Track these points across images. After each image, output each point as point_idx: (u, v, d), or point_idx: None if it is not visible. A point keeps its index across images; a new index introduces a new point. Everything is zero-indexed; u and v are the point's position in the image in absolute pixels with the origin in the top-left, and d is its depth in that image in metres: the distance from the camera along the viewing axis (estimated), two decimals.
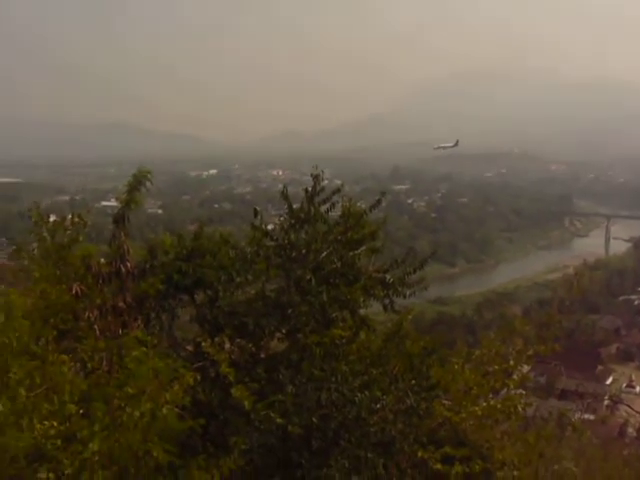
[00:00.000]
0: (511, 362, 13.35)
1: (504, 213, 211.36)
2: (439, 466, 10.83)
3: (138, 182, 13.57)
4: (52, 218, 12.87)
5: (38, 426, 6.85)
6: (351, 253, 12.82)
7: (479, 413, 12.41)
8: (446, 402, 12.86)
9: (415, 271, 13.19)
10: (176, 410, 8.04)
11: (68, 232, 12.66)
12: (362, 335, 12.59)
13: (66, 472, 6.74)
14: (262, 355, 12.85)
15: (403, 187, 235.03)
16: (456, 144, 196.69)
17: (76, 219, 12.59)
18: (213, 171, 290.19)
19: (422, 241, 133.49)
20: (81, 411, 7.45)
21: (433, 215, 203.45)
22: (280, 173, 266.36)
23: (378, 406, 10.79)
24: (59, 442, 6.94)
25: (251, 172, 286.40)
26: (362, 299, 12.70)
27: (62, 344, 10.41)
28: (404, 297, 13.09)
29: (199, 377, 8.87)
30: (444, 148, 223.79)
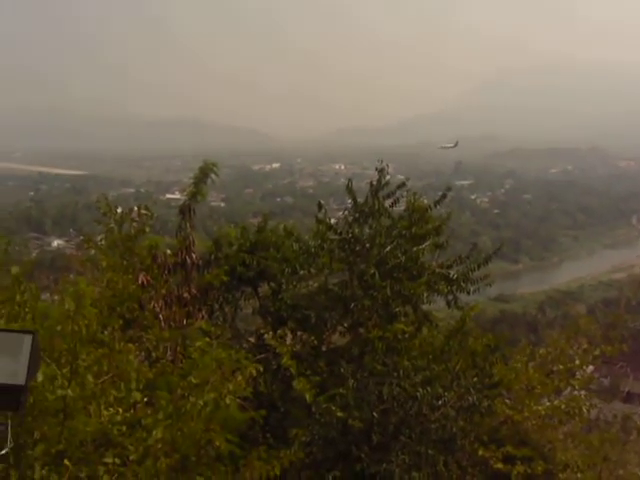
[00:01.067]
0: (576, 362, 13.10)
1: (569, 210, 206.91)
2: (500, 465, 10.71)
3: (204, 175, 13.73)
4: (118, 210, 13.08)
5: (105, 412, 6.96)
6: (415, 248, 12.71)
7: (542, 413, 12.23)
8: (508, 400, 12.70)
9: (479, 267, 13.02)
10: (238, 401, 8.08)
11: (134, 223, 12.83)
12: (425, 331, 12.50)
13: (131, 457, 6.84)
14: (324, 348, 12.88)
15: (466, 183, 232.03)
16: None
17: (143, 211, 12.76)
18: (276, 165, 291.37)
19: (484, 237, 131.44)
20: (146, 399, 7.54)
21: (496, 211, 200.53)
22: (342, 167, 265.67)
23: (440, 402, 10.71)
24: (124, 428, 7.05)
25: (314, 166, 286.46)
26: (425, 294, 12.60)
27: (128, 333, 10.59)
28: (468, 293, 12.93)
29: (261, 369, 8.90)
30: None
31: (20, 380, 4.51)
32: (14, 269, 8.49)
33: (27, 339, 4.58)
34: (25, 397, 4.67)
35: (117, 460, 6.71)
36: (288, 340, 12.19)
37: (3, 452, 4.90)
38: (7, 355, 4.58)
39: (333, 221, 13.32)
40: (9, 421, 4.73)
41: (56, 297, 9.98)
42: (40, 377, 6.09)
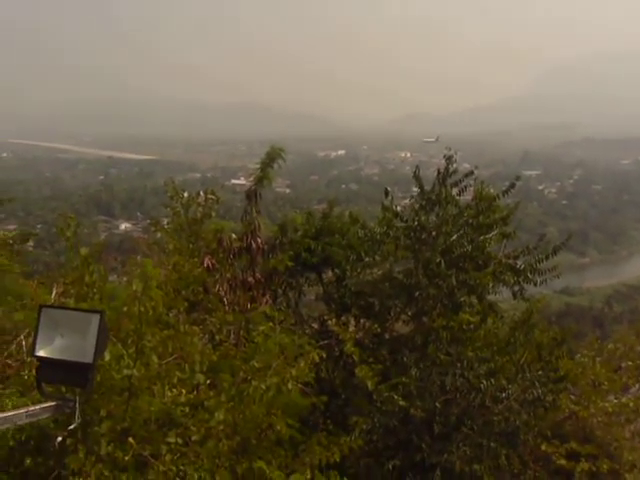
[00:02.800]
0: None
1: None
2: (563, 462, 10.51)
3: (271, 159, 13.78)
4: (185, 194, 13.22)
5: (168, 393, 7.04)
6: (481, 237, 12.52)
7: (609, 410, 11.92)
8: (573, 396, 12.44)
9: (547, 259, 12.74)
10: (300, 386, 8.10)
11: (200, 207, 12.95)
12: (489, 321, 12.30)
13: (193, 438, 6.91)
14: (386, 336, 12.81)
15: (533, 173, 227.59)
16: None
17: (209, 195, 12.87)
18: (341, 152, 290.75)
19: (551, 228, 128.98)
20: (209, 381, 7.61)
21: (564, 202, 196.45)
22: (408, 155, 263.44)
23: (503, 395, 10.58)
24: (187, 409, 7.12)
25: (379, 154, 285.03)
26: (491, 285, 12.39)
27: (192, 315, 10.71)
28: (535, 285, 12.66)
29: (324, 355, 8.89)
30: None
31: (88, 358, 4.57)
32: (83, 251, 8.64)
33: (95, 319, 4.64)
34: (93, 375, 4.75)
35: (179, 440, 6.79)
36: (351, 327, 12.18)
37: (72, 427, 5.00)
38: (76, 334, 4.65)
39: (398, 209, 13.20)
40: (77, 397, 4.80)
41: (124, 279, 10.15)
42: (107, 356, 6.18)
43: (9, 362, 7.93)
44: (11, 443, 6.26)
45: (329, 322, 11.63)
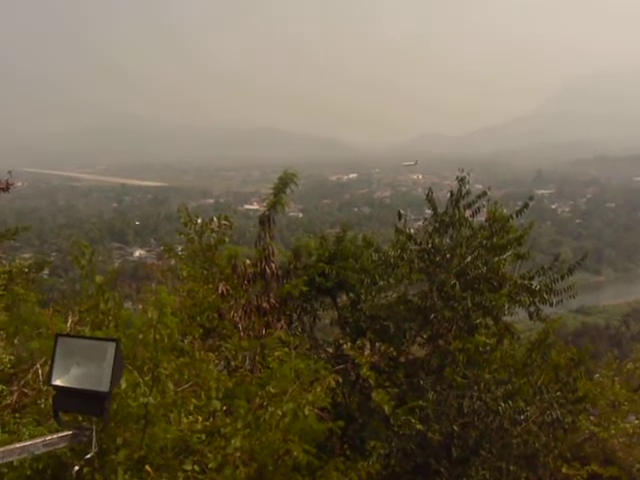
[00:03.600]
0: None
1: None
2: None
3: (284, 185, 13.83)
4: (198, 220, 13.27)
5: (185, 420, 7.04)
6: (496, 258, 12.47)
7: (629, 431, 11.79)
8: (593, 417, 12.31)
9: (562, 278, 12.66)
10: (316, 411, 8.06)
11: (214, 233, 12.98)
12: (506, 343, 12.22)
13: (210, 465, 6.89)
14: (402, 360, 12.75)
15: (546, 192, 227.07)
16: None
17: (222, 221, 12.91)
18: (353, 175, 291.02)
19: (565, 248, 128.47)
20: (224, 408, 7.59)
21: (578, 221, 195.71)
22: (420, 177, 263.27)
23: (521, 417, 10.49)
24: (204, 436, 7.11)
25: (391, 176, 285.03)
26: (507, 306, 12.32)
27: (207, 342, 10.71)
28: (550, 305, 12.58)
29: (340, 379, 8.85)
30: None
31: (104, 387, 4.58)
32: (98, 278, 8.68)
33: (111, 347, 4.65)
34: (109, 403, 4.74)
35: (196, 467, 6.78)
36: (367, 351, 12.13)
37: (89, 456, 4.99)
38: (92, 362, 4.66)
39: (412, 231, 13.19)
40: (94, 426, 4.80)
41: (138, 306, 10.18)
42: (123, 384, 6.19)
43: (26, 391, 7.95)
44: (28, 472, 6.26)
45: (344, 346, 11.58)
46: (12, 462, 5.54)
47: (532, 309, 12.61)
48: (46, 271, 17.94)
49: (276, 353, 9.43)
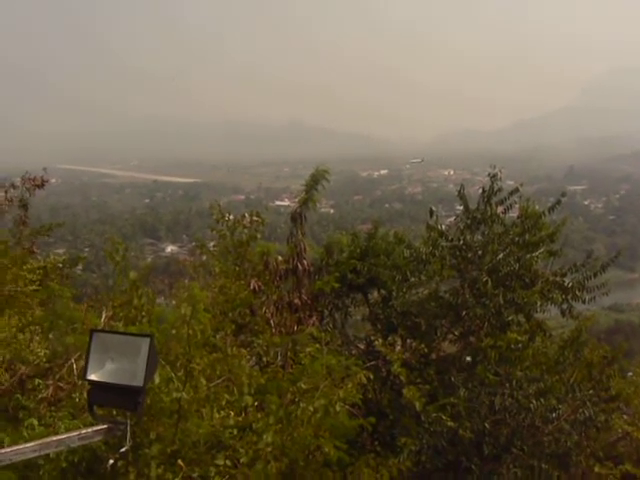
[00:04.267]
0: None
1: None
2: None
3: (315, 181, 13.85)
4: (230, 216, 13.33)
5: (217, 415, 7.09)
6: (528, 255, 12.37)
7: None
8: (626, 416, 12.16)
9: (595, 276, 12.53)
10: (347, 407, 8.07)
11: (246, 230, 13.05)
12: (538, 340, 12.12)
13: (241, 460, 6.93)
14: (433, 356, 12.71)
15: (579, 188, 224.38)
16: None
17: (254, 217, 12.96)
18: (384, 171, 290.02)
19: (598, 244, 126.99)
20: (256, 403, 7.63)
21: (611, 217, 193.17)
22: (452, 173, 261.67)
23: (554, 415, 10.40)
24: (236, 431, 7.15)
25: (422, 172, 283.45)
26: (539, 303, 12.21)
27: (239, 338, 10.78)
28: (583, 302, 12.45)
29: (371, 376, 8.85)
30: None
31: (138, 382, 4.62)
32: (132, 274, 8.78)
33: (145, 342, 4.69)
34: (143, 398, 4.78)
35: (228, 462, 6.82)
36: (398, 347, 12.12)
37: (123, 450, 5.04)
38: (127, 358, 4.71)
39: (443, 228, 13.13)
40: (128, 421, 4.86)
41: (172, 301, 10.27)
42: (156, 379, 6.26)
43: (61, 385, 8.06)
44: (64, 464, 6.36)
45: (375, 343, 11.56)
46: (49, 454, 5.63)
47: (564, 306, 12.49)
48: (79, 266, 18.15)
49: (307, 349, 9.46)
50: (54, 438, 4.71)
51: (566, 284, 12.43)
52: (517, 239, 12.44)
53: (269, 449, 7.06)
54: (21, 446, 4.45)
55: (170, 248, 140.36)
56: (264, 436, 7.06)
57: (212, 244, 13.97)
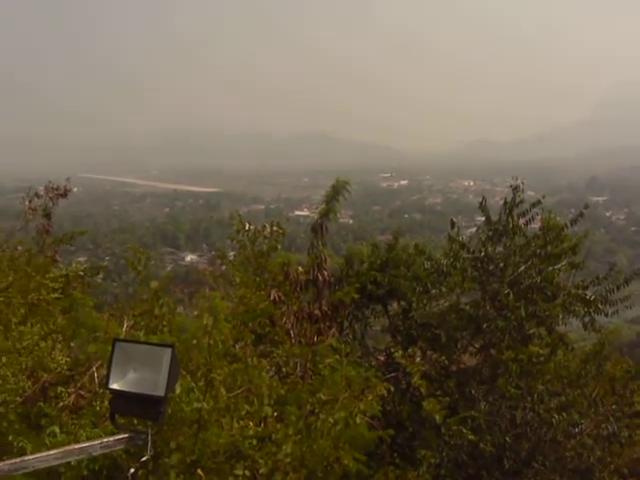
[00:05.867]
0: None
1: None
2: None
3: (336, 192, 13.86)
4: (248, 226, 13.35)
5: (236, 425, 7.09)
6: (550, 268, 12.29)
7: None
8: None
9: (618, 288, 12.41)
10: (366, 419, 8.04)
11: (266, 240, 13.06)
12: (560, 354, 12.03)
13: (260, 471, 6.92)
14: (453, 369, 12.65)
15: (600, 199, 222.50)
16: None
17: (275, 228, 12.98)
18: (404, 182, 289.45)
19: (621, 256, 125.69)
20: (275, 414, 7.62)
21: (633, 229, 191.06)
22: (472, 184, 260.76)
23: (576, 430, 10.31)
24: (255, 442, 7.14)
25: (442, 182, 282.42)
26: (561, 316, 12.13)
27: (259, 348, 10.77)
28: (606, 315, 12.33)
29: (391, 388, 8.82)
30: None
31: (160, 392, 4.62)
32: (154, 284, 8.82)
33: (167, 352, 4.70)
34: (164, 408, 4.79)
35: (247, 473, 6.81)
36: (417, 359, 12.07)
37: (144, 459, 5.05)
38: (148, 367, 4.72)
39: (464, 239, 13.09)
40: (149, 430, 4.86)
41: (191, 311, 10.29)
42: (177, 389, 6.26)
43: (82, 393, 8.10)
44: (85, 472, 6.39)
45: (395, 354, 11.53)
46: (70, 462, 5.66)
47: (587, 319, 12.39)
48: (100, 275, 18.25)
49: (327, 360, 9.43)
50: (77, 446, 4.72)
51: (588, 297, 12.32)
52: (539, 251, 12.38)
53: (288, 460, 7.04)
54: (44, 453, 4.47)
55: (190, 257, 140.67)
56: (283, 447, 7.04)
57: (232, 254, 13.99)
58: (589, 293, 12.41)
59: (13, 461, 4.30)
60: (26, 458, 4.37)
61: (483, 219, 12.80)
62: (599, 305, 12.25)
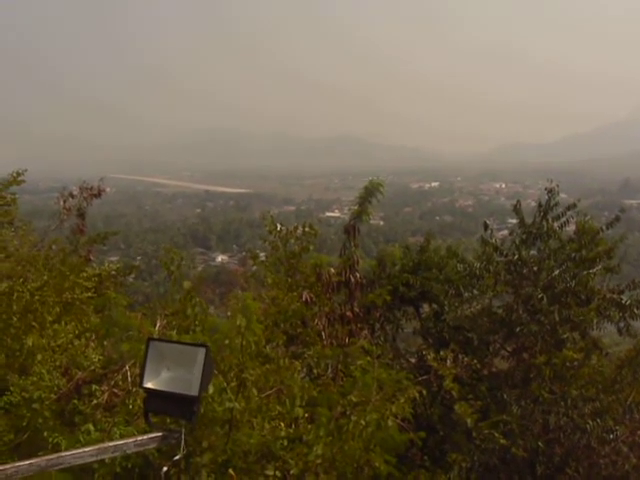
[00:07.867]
0: None
1: None
2: None
3: (369, 194, 13.83)
4: (280, 227, 13.36)
5: (268, 426, 7.11)
6: (585, 272, 12.15)
7: None
8: None
9: None
10: (397, 422, 8.02)
11: (298, 241, 13.07)
12: (594, 359, 11.88)
13: (291, 472, 6.93)
14: (485, 372, 12.56)
15: (635, 201, 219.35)
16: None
17: (307, 229, 12.99)
18: (435, 183, 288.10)
19: None
20: (307, 415, 7.63)
21: None
22: (503, 186, 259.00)
23: (610, 436, 10.17)
24: (286, 443, 7.15)
25: (473, 185, 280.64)
26: (595, 321, 11.98)
27: (290, 349, 10.79)
28: None
29: (424, 391, 8.78)
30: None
31: (194, 391, 4.64)
32: (186, 284, 8.86)
33: (201, 352, 4.71)
34: (198, 408, 4.80)
35: (278, 473, 6.83)
36: (449, 362, 12.01)
37: (177, 458, 5.07)
38: (182, 367, 4.74)
39: (497, 242, 13.00)
40: (183, 429, 4.88)
41: (223, 311, 10.33)
42: (210, 389, 6.29)
43: (115, 391, 8.17)
44: (118, 469, 6.45)
45: (427, 357, 11.49)
46: (104, 459, 5.71)
47: (622, 324, 12.24)
48: (132, 274, 18.42)
49: (359, 362, 9.41)
50: (111, 444, 4.75)
51: (624, 302, 12.17)
52: (574, 255, 12.26)
53: (319, 461, 7.05)
54: (80, 450, 4.51)
55: (220, 257, 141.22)
56: (314, 448, 7.04)
57: (263, 254, 14.02)
58: (624, 298, 12.25)
59: (50, 457, 4.34)
60: (62, 454, 4.41)
61: (516, 222, 12.70)
62: (635, 310, 12.09)
